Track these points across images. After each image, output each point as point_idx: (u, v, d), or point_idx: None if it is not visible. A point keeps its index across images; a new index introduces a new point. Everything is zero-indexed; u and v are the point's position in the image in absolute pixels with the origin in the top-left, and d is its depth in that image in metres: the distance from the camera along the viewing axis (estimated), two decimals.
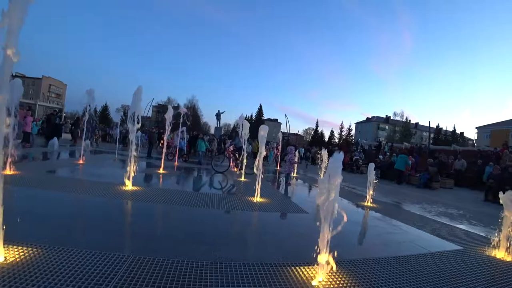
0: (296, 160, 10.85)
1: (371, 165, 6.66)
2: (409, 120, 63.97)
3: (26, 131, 11.88)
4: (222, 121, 37.71)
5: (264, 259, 2.76)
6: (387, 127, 68.02)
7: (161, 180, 7.79)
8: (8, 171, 5.42)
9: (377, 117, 71.87)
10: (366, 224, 5.35)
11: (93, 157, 11.38)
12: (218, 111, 31.21)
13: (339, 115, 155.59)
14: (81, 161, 8.71)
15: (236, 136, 13.38)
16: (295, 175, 11.50)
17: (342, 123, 72.09)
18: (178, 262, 2.48)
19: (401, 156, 13.95)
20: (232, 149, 11.46)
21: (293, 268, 2.62)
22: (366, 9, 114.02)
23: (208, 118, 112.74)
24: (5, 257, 2.17)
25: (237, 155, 10.59)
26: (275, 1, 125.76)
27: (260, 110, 73.99)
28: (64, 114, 34.95)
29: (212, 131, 64.07)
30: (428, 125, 28.02)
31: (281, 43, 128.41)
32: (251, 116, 74.09)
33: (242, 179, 8.85)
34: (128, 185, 5.44)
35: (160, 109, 72.59)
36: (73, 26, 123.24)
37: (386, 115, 70.97)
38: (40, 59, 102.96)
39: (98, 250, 2.50)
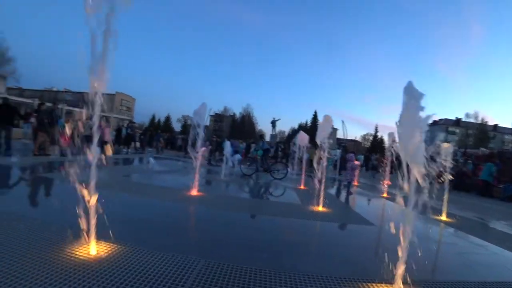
0: (357, 167, 10.40)
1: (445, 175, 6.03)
2: (486, 122, 55.98)
3: (106, 140, 13.57)
4: (277, 128, 38.08)
5: (331, 273, 2.67)
6: (457, 130, 60.76)
7: (222, 186, 8.13)
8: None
9: (445, 119, 64.71)
10: (443, 241, 4.83)
11: (159, 163, 12.33)
12: (273, 118, 31.89)
13: None
14: (150, 167, 9.57)
15: (261, 140, 13.90)
16: (356, 183, 11.00)
17: None
18: (242, 269, 2.53)
19: (487, 165, 12.26)
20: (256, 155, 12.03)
21: (364, 284, 2.47)
22: (426, 2, 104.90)
23: (263, 125, 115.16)
24: (97, 251, 2.51)
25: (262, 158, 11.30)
26: (324, 4, 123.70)
27: (315, 116, 72.58)
28: (134, 125, 38.88)
29: (268, 138, 65.09)
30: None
31: (334, 46, 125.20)
32: (306, 123, 73.09)
33: (302, 187, 8.80)
34: (194, 191, 5.77)
35: (218, 118, 76.56)
36: (138, 44, 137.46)
37: (456, 117, 63.49)
38: (113, 76, 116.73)
39: (172, 252, 2.70)
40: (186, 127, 76.22)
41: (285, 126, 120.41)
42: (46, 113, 9.89)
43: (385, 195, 9.17)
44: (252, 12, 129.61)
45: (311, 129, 69.61)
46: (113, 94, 67.79)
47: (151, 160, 10.91)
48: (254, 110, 79.43)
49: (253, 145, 21.31)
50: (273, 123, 32.04)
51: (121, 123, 31.56)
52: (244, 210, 5.25)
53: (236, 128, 69.91)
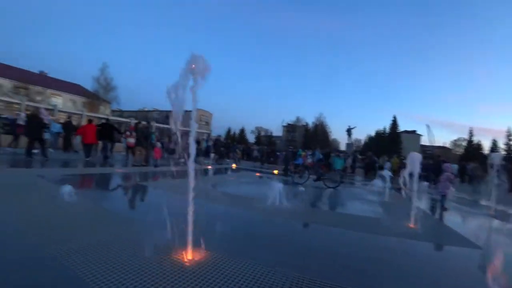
0: (452, 179, 9.20)
1: None
2: None
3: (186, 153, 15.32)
4: (353, 137, 36.41)
5: None
6: None
7: (300, 197, 8.25)
8: (180, 183, 7.19)
9: None
10: None
11: (238, 174, 13.16)
12: (349, 126, 30.71)
13: (502, 120, 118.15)
14: (231, 178, 10.32)
15: (316, 149, 13.36)
16: (450, 197, 9.85)
17: (509, 129, 54.64)
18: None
19: None
20: (311, 162, 11.66)
21: None
22: None
23: (337, 134, 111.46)
24: (192, 257, 2.89)
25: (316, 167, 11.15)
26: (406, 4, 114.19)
27: (394, 122, 66.76)
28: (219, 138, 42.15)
29: (342, 147, 62.50)
30: None
31: (415, 44, 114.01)
32: (384, 129, 67.88)
33: (386, 199, 8.40)
34: (275, 202, 6.08)
35: (290, 128, 77.26)
36: (213, 62, 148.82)
37: None
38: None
39: (262, 264, 2.90)
40: (260, 139, 79.00)
41: (361, 134, 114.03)
42: (142, 130, 11.73)
43: (490, 212, 8.07)
44: (322, 18, 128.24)
45: (390, 136, 64.48)
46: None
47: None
48: (327, 118, 77.63)
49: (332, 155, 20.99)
50: (349, 131, 30.78)
51: (201, 136, 34.67)
52: (326, 222, 5.27)
53: (309, 138, 69.22)
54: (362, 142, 78.79)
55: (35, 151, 9.98)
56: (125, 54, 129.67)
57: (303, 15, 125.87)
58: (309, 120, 77.26)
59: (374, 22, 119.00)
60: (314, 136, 68.99)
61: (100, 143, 12.14)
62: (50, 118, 13.27)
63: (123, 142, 17.53)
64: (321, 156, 13.80)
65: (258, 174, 10.96)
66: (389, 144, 59.47)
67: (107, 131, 11.87)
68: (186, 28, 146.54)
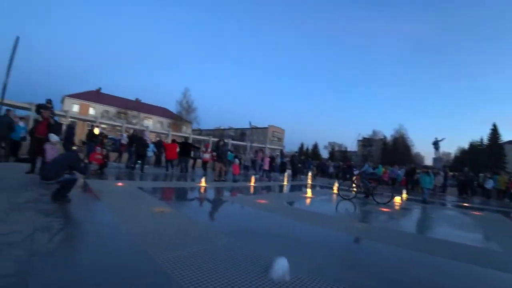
0: None
1: None
2: None
3: (265, 169, 15.49)
4: (441, 150, 31.86)
5: None
6: None
7: (382, 217, 7.48)
8: (263, 200, 7.18)
9: None
10: None
11: (315, 191, 12.66)
12: (436, 138, 27.00)
13: None
14: (308, 194, 9.96)
15: (366, 162, 11.83)
16: None
17: None
18: None
19: None
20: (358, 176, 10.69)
21: None
22: None
23: (421, 147, 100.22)
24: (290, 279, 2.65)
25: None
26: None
27: (494, 131, 56.53)
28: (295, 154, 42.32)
29: (428, 162, 55.67)
30: None
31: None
32: (481, 140, 58.15)
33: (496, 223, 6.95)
34: (355, 221, 5.56)
35: (366, 142, 72.47)
36: (285, 79, 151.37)
37: None
38: (265, 112, 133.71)
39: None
40: (333, 154, 76.13)
41: (450, 146, 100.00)
42: (221, 148, 12.32)
43: None
44: (401, 23, 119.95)
45: (489, 147, 54.80)
46: (266, 128, 76.78)
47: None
48: (409, 130, 70.15)
49: (418, 172, 18.76)
50: (436, 144, 26.95)
51: (274, 152, 35.03)
52: (416, 247, 4.55)
53: (387, 152, 63.51)
54: (452, 156, 69.07)
55: (133, 165, 11.39)
56: (202, 78, 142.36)
57: (378, 23, 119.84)
58: (387, 133, 71.19)
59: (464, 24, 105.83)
60: (394, 151, 62.83)
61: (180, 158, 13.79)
62: (150, 139, 15.31)
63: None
64: (371, 170, 12.43)
65: (336, 190, 10.26)
66: (488, 158, 50.83)
67: (186, 149, 13.53)
68: (260, 48, 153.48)
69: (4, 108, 12.30)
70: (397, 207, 9.28)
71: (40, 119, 7.74)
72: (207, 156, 14.09)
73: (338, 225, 5.50)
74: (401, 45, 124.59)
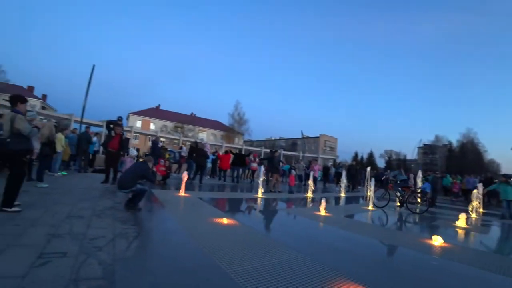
0: None
1: None
2: None
3: (315, 176, 15.42)
4: None
5: None
6: None
7: (462, 234, 6.63)
8: (323, 212, 6.91)
9: None
10: None
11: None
12: None
13: None
14: (366, 207, 9.37)
15: (399, 169, 10.51)
16: None
17: None
18: None
19: None
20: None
21: None
22: None
23: (496, 153, 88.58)
24: None
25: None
26: None
27: None
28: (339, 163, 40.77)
29: (506, 170, 48.77)
30: None
31: None
32: None
33: None
34: (437, 241, 4.91)
35: (428, 149, 66.38)
36: (335, 88, 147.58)
37: None
38: (316, 122, 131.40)
39: None
40: (390, 163, 71.04)
41: None
42: (278, 159, 12.28)
43: None
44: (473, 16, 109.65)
45: None
46: (318, 137, 75.24)
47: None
48: (479, 134, 62.09)
49: (496, 182, 16.48)
50: None
51: (326, 162, 33.97)
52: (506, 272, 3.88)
53: (454, 160, 56.81)
54: None
55: (193, 176, 11.92)
56: (253, 89, 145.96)
57: (442, 21, 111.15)
58: (453, 138, 63.98)
59: None
60: (461, 158, 55.86)
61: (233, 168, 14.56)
62: (210, 150, 16.18)
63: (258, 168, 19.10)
64: (402, 177, 11.49)
65: (398, 204, 9.40)
66: None
67: (240, 160, 14.22)
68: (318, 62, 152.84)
69: (84, 126, 13.95)
70: (475, 224, 8.19)
71: (113, 134, 8.54)
72: (254, 165, 14.65)
73: (406, 240, 4.99)
74: (465, 39, 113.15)
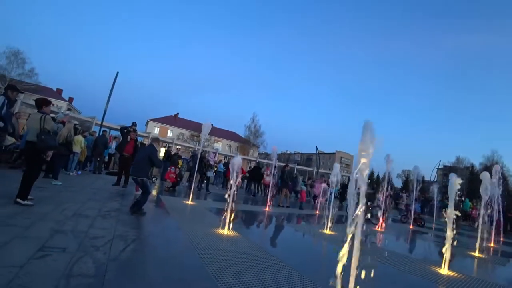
0: None
1: None
2: None
3: (315, 194, 15.89)
4: None
5: None
6: None
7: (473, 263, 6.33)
8: (327, 231, 6.81)
9: None
10: None
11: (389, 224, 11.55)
12: None
13: None
14: (378, 228, 9.12)
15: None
16: None
17: None
18: None
19: None
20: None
21: None
22: None
23: None
24: None
25: None
26: None
27: None
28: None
29: None
30: None
31: None
32: None
33: None
34: (445, 269, 4.75)
35: (448, 171, 63.81)
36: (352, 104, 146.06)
37: None
38: (334, 137, 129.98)
39: None
40: (408, 183, 68.67)
41: None
42: (289, 173, 12.27)
43: None
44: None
45: None
46: (333, 153, 74.33)
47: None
48: (504, 158, 58.92)
49: None
50: None
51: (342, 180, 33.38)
52: None
53: (476, 183, 53.96)
54: None
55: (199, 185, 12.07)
56: (270, 102, 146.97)
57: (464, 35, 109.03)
58: (475, 160, 61.08)
59: None
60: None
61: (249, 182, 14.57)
62: (216, 160, 16.33)
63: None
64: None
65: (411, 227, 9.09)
66: None
67: (256, 173, 14.17)
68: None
69: (102, 129, 14.53)
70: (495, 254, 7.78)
71: (128, 139, 8.86)
72: (268, 179, 14.41)
73: (412, 267, 4.83)
74: (489, 53, 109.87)
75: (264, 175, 14.46)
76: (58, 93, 49.77)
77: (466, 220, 18.11)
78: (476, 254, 6.94)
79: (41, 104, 4.89)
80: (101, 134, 12.66)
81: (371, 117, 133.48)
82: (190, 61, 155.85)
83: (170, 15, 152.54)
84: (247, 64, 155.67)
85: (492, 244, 8.83)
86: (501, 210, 9.73)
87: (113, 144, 13.35)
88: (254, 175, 14.04)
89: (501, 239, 9.97)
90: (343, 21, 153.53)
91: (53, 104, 5.79)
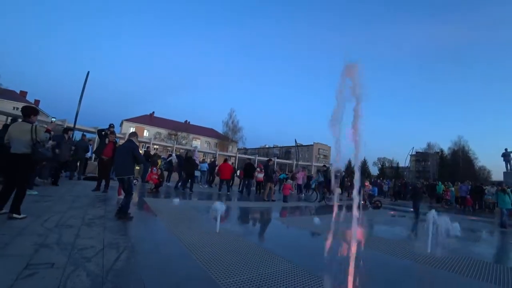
0: None
1: None
2: None
3: (298, 183, 15.93)
4: None
5: None
6: None
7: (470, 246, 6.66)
8: (315, 222, 6.87)
9: None
10: None
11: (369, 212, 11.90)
12: (506, 150, 23.61)
13: None
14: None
15: (318, 173, 11.70)
16: None
17: None
18: None
19: None
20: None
21: None
22: None
23: (486, 161, 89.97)
24: None
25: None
26: None
27: None
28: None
29: (496, 177, 49.35)
30: None
31: None
32: None
33: None
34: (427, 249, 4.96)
35: (420, 157, 66.98)
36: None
37: None
38: (311, 130, 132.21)
39: None
40: (383, 170, 71.42)
41: None
42: (271, 167, 12.26)
43: None
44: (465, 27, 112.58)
45: None
46: (311, 145, 75.60)
47: None
48: (470, 142, 62.75)
49: (486, 189, 16.70)
50: (506, 156, 23.38)
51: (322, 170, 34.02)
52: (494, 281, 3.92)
53: (445, 167, 57.38)
54: None
55: (183, 185, 11.82)
56: (247, 98, 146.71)
57: (437, 28, 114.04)
58: (444, 146, 64.74)
59: None
60: (453, 165, 56.43)
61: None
62: (199, 159, 15.98)
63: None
64: (322, 179, 13.87)
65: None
66: None
67: (249, 170, 13.68)
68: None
69: (80, 133, 13.80)
70: (476, 234, 8.23)
71: (107, 141, 8.45)
72: (260, 176, 14.08)
73: (403, 251, 4.99)
74: (457, 45, 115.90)
75: (256, 172, 14.24)
76: (22, 96, 46.84)
77: (439, 202, 19.10)
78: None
79: (29, 113, 4.55)
80: (79, 138, 12.00)
81: (348, 106, 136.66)
82: (163, 59, 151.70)
83: (142, 12, 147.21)
84: (222, 59, 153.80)
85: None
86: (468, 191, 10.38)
87: (90, 147, 12.76)
88: (247, 172, 13.65)
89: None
90: (321, 10, 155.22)
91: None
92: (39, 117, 5.29)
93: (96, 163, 10.43)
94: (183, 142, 48.17)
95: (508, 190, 9.96)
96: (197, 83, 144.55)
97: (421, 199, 7.69)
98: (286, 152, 75.11)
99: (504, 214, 9.64)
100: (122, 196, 5.72)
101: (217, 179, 18.25)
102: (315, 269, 3.44)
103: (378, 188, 20.77)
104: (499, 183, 12.14)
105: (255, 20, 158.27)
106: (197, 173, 13.63)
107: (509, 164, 23.89)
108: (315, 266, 3.60)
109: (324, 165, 14.38)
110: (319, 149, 77.57)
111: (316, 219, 7.02)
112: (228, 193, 12.69)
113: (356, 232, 2.58)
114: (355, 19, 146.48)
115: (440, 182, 20.87)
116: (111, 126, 9.05)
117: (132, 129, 47.79)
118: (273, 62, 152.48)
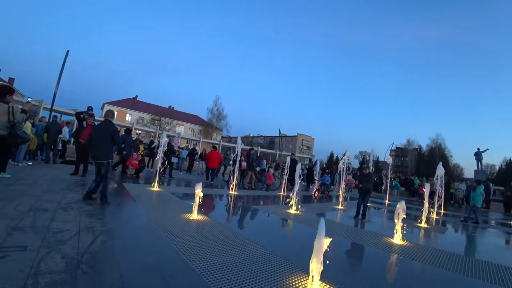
0: None
1: None
2: None
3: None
4: (484, 162, 29.03)
5: None
6: None
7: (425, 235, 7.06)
8: (293, 211, 7.09)
9: None
10: None
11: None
12: (478, 149, 24.86)
13: None
14: (341, 206, 9.67)
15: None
16: None
17: None
18: None
19: None
20: None
21: None
22: None
23: (460, 158, 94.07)
24: None
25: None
26: None
27: None
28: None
29: (468, 174, 51.83)
30: None
31: None
32: None
33: None
34: (397, 239, 5.28)
35: (400, 152, 69.10)
36: (317, 88, 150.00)
37: None
38: (295, 121, 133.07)
39: None
40: (364, 164, 73.17)
41: (494, 158, 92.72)
42: (252, 156, 12.35)
43: None
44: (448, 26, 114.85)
45: None
46: (295, 136, 76.26)
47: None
48: (446, 140, 65.42)
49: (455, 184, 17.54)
50: (478, 155, 24.73)
51: (304, 162, 34.60)
52: (455, 269, 4.25)
53: (423, 163, 59.71)
54: (497, 168, 63.81)
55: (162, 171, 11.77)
56: (233, 86, 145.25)
57: (418, 28, 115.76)
58: (423, 142, 67.17)
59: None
60: (430, 161, 58.76)
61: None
62: (179, 145, 15.82)
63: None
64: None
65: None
66: None
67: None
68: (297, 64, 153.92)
69: (53, 114, 13.33)
70: (445, 226, 8.70)
71: (84, 125, 8.27)
72: (244, 164, 14.07)
73: (373, 240, 5.27)
74: (441, 49, 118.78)
75: (242, 161, 14.20)
76: None
77: (414, 196, 19.91)
78: (422, 225, 7.81)
79: (4, 93, 4.31)
80: (51, 119, 11.61)
81: (332, 100, 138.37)
82: (149, 42, 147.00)
83: None
84: (209, 45, 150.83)
85: (434, 216, 9.93)
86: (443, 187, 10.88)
87: (66, 130, 12.40)
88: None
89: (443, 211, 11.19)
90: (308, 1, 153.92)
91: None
92: (14, 97, 5.08)
93: (74, 146, 10.18)
94: (167, 128, 47.37)
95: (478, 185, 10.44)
96: (183, 69, 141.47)
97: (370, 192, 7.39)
98: (270, 142, 75.42)
99: (474, 208, 9.99)
100: None
101: (199, 166, 18.24)
102: (289, 254, 3.60)
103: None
104: (476, 181, 12.67)
105: (244, 7, 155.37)
106: (173, 160, 13.47)
107: (480, 163, 25.19)
108: (289, 251, 3.77)
109: (293, 154, 14.24)
110: (302, 140, 78.44)
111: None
112: (212, 182, 12.64)
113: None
114: (341, 9, 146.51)
115: (416, 177, 21.72)
116: (90, 109, 8.84)
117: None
118: (260, 51, 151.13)
